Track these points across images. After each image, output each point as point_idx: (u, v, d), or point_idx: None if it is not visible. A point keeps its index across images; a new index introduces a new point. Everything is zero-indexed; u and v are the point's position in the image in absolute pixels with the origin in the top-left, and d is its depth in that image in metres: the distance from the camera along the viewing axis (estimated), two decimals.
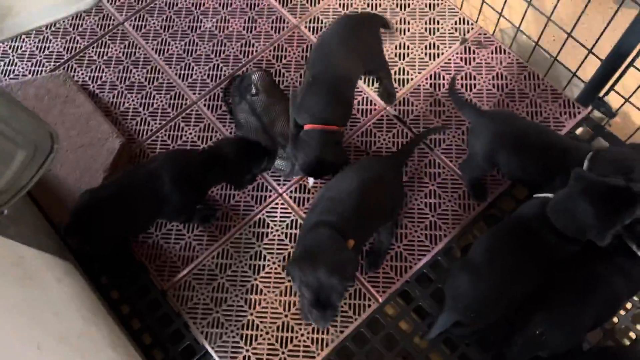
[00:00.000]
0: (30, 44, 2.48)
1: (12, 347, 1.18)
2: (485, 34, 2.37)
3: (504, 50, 2.33)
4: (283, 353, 1.92)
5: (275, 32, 2.46)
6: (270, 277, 2.04)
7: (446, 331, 1.80)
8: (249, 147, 2.03)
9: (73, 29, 2.51)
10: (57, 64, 2.45)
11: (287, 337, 1.95)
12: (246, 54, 2.42)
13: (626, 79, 1.95)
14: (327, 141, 1.90)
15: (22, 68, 2.44)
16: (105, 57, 2.46)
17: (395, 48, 2.37)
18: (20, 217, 1.78)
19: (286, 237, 2.09)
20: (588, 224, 1.53)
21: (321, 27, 2.45)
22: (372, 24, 2.15)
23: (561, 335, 1.60)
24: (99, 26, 2.52)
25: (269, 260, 2.06)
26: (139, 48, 2.47)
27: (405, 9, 2.45)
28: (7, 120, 1.40)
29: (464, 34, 2.38)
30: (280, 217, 2.13)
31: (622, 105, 2.03)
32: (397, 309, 1.96)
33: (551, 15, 2.02)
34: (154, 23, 2.52)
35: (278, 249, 2.08)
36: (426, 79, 2.30)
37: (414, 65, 2.33)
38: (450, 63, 2.32)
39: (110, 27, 2.52)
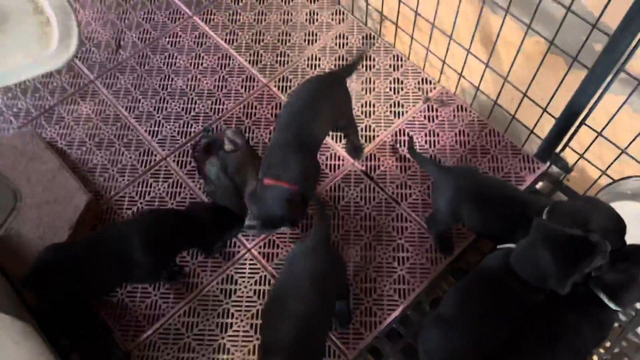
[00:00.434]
0: None
1: None
2: (447, 93, 2.48)
3: (465, 109, 2.43)
4: None
5: (245, 91, 2.52)
6: (238, 335, 1.99)
7: None
8: (220, 213, 2.05)
9: (43, 87, 2.53)
10: (25, 121, 2.45)
11: None
12: (216, 112, 2.46)
13: (582, 135, 2.05)
14: (278, 196, 1.91)
15: None
16: (74, 115, 2.47)
17: (362, 106, 2.45)
18: None
19: (255, 293, 2.07)
20: (548, 272, 1.56)
21: (290, 86, 2.52)
22: (341, 81, 2.22)
23: None
24: (70, 84, 2.54)
25: (236, 317, 2.03)
26: (109, 105, 2.49)
27: (370, 70, 2.55)
28: None
29: (427, 93, 2.48)
30: (249, 273, 2.11)
31: (578, 160, 2.13)
32: None
33: (507, 76, 2.14)
34: (124, 81, 2.56)
35: (246, 306, 2.05)
36: (392, 135, 2.38)
37: (380, 123, 2.41)
38: (414, 120, 2.41)
39: (80, 85, 2.54)
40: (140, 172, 2.32)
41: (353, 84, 2.48)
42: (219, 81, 2.55)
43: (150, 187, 2.29)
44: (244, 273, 2.11)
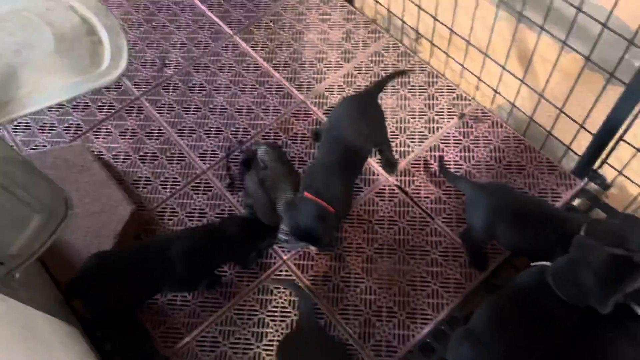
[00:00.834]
0: (51, 117, 2.62)
1: None
2: (482, 109, 2.49)
3: (501, 125, 2.44)
4: None
5: (282, 107, 2.60)
6: (272, 345, 2.03)
7: None
8: (252, 226, 2.12)
9: (92, 103, 2.66)
10: (76, 135, 2.58)
11: None
12: (255, 127, 2.54)
13: (620, 151, 2.03)
14: (314, 212, 1.95)
15: (42, 139, 2.57)
16: (121, 129, 2.60)
17: (397, 122, 2.49)
18: (30, 281, 1.82)
19: (289, 304, 2.11)
20: (589, 290, 1.55)
21: (326, 103, 2.58)
22: (375, 100, 2.27)
23: None
24: (117, 100, 2.68)
25: (271, 327, 2.07)
26: (153, 121, 2.61)
27: (405, 86, 2.59)
28: (25, 186, 1.48)
29: (462, 109, 2.50)
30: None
31: (616, 177, 2.10)
32: None
33: (543, 92, 2.14)
34: (168, 98, 2.67)
35: (281, 316, 2.09)
36: (426, 151, 2.40)
37: (414, 138, 2.44)
38: (449, 136, 2.43)
39: (127, 102, 2.67)
40: (182, 185, 2.41)
41: (388, 100, 2.53)
42: (257, 97, 2.64)
43: (191, 199, 2.37)
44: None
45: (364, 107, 2.18)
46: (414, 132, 2.46)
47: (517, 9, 2.01)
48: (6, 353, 1.32)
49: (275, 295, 2.13)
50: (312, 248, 2.17)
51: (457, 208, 2.24)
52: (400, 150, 2.41)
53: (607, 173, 2.17)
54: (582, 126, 2.08)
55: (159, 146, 2.53)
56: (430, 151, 2.40)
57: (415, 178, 2.34)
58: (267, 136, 2.51)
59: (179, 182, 2.43)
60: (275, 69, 2.72)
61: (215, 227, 2.10)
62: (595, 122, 2.02)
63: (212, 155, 2.48)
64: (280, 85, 2.67)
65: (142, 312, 2.12)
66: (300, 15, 2.90)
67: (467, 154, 2.38)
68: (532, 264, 1.77)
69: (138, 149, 2.53)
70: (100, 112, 2.66)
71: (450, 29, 2.34)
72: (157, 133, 2.57)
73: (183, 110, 2.63)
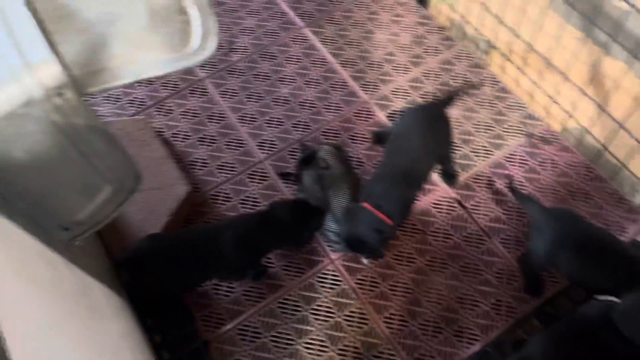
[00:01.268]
0: (116, 90, 2.65)
1: None
2: (551, 132, 2.41)
3: (571, 150, 2.36)
4: None
5: (345, 105, 2.57)
6: (314, 344, 2.01)
7: None
8: (302, 207, 2.10)
9: (157, 80, 2.68)
10: (139, 110, 2.61)
11: None
12: (316, 122, 2.52)
13: None
14: (373, 225, 1.92)
15: (106, 110, 2.60)
16: (183, 109, 2.61)
17: (461, 133, 2.43)
18: (87, 249, 1.84)
19: (334, 305, 2.08)
20: None
21: (390, 106, 2.54)
22: (444, 112, 2.21)
23: None
24: (182, 80, 2.69)
25: (314, 326, 2.05)
26: (216, 104, 2.61)
27: (473, 99, 2.53)
28: (103, 155, 1.49)
29: (531, 129, 2.42)
30: (330, 284, 2.13)
31: None
32: None
33: (624, 122, 2.05)
34: (232, 83, 2.67)
35: (325, 316, 2.07)
36: (490, 167, 2.34)
37: (478, 153, 2.38)
38: (514, 155, 2.36)
39: (191, 82, 2.68)
40: (238, 171, 2.41)
41: (454, 110, 2.47)
42: (321, 93, 2.61)
43: (246, 186, 2.37)
44: (326, 283, 2.13)
45: (433, 119, 2.13)
46: (478, 146, 2.40)
47: (602, 40, 1.94)
48: (66, 317, 1.33)
49: (321, 294, 2.11)
50: (365, 261, 2.14)
51: (516, 230, 2.18)
52: (462, 163, 2.36)
53: None
54: None
55: (218, 130, 2.53)
56: (494, 168, 2.34)
57: (475, 193, 2.28)
58: (327, 133, 2.48)
59: (235, 168, 2.42)
60: (342, 66, 2.69)
61: (266, 213, 2.09)
62: None
63: (271, 145, 2.47)
64: (345, 82, 2.64)
65: (188, 294, 2.12)
66: (372, 14, 2.86)
67: (532, 175, 2.31)
68: (598, 297, 1.70)
69: (198, 130, 2.54)
70: (164, 89, 2.67)
71: (531, 47, 2.27)
72: (218, 117, 2.57)
73: (246, 97, 2.62)
